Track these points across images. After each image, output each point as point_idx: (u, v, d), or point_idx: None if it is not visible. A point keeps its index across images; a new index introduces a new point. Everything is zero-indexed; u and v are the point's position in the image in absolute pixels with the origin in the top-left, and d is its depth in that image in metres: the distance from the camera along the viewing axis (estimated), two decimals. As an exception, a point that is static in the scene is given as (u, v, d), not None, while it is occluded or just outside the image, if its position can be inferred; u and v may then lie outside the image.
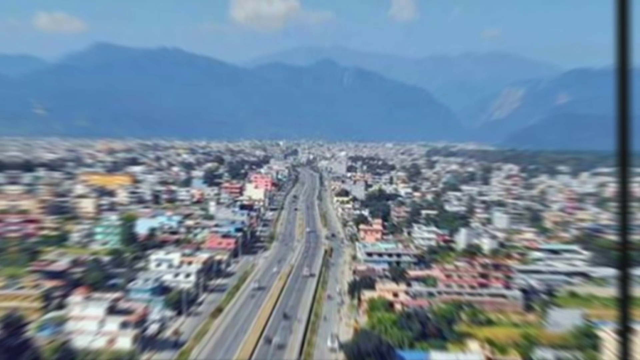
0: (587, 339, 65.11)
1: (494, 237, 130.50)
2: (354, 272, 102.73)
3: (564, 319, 72.74)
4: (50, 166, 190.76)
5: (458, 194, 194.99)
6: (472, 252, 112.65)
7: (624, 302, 7.66)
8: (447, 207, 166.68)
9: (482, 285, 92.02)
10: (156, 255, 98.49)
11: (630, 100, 7.20)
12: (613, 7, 7.20)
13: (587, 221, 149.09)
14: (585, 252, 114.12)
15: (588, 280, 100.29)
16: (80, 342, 61.96)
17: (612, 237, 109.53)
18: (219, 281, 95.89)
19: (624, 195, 7.47)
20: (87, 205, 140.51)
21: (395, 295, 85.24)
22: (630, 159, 7.26)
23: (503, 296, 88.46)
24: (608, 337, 58.53)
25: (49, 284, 79.67)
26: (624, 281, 7.50)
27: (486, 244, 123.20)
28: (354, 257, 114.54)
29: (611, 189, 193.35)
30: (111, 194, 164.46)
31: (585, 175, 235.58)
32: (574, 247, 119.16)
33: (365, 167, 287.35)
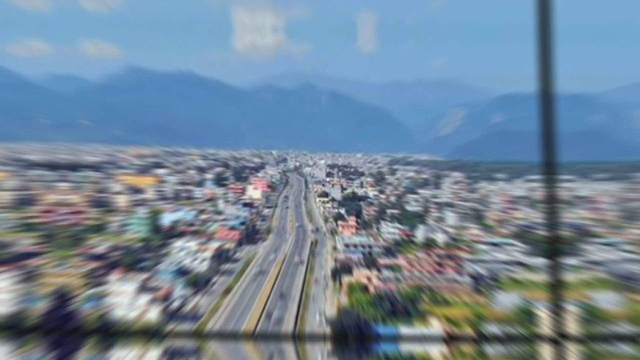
0: (525, 316, 65.32)
1: (446, 232, 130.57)
2: (335, 260, 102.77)
3: (506, 300, 73.16)
4: (93, 167, 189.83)
5: (415, 196, 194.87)
6: (429, 244, 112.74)
7: (554, 285, 7.74)
8: (407, 207, 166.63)
9: (438, 272, 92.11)
10: (177, 243, 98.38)
11: (552, 119, 7.17)
12: (535, 42, 7.14)
13: (521, 219, 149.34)
14: (521, 244, 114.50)
15: (524, 268, 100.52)
16: (117, 313, 61.59)
17: (542, 232, 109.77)
18: (228, 266, 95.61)
19: (550, 198, 7.48)
20: (122, 201, 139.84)
21: (369, 279, 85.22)
22: (554, 168, 7.24)
23: (456, 281, 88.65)
24: (542, 314, 58.40)
25: (91, 265, 79.27)
26: (554, 268, 7.48)
27: (440, 238, 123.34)
28: (335, 248, 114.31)
29: (539, 193, 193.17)
30: (141, 191, 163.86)
31: (518, 181, 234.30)
32: (512, 240, 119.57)
33: (340, 173, 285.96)
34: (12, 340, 44.76)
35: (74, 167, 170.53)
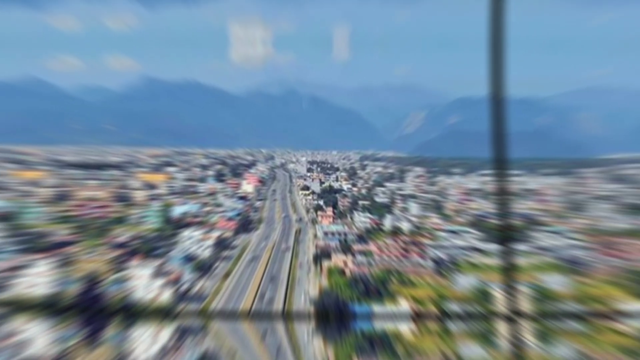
0: (482, 296, 65.37)
1: (410, 221, 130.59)
2: (316, 246, 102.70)
3: (464, 282, 73.29)
4: (116, 166, 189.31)
5: (383, 189, 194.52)
6: (395, 232, 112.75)
7: (507, 268, 7.68)
8: (376, 199, 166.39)
9: (405, 257, 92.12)
10: (185, 233, 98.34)
11: (502, 120, 7.04)
12: (488, 52, 6.98)
13: (476, 209, 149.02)
14: (476, 232, 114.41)
15: (480, 252, 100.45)
16: (136, 295, 61.56)
17: (494, 220, 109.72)
18: (227, 252, 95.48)
19: (501, 190, 7.38)
20: (139, 196, 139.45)
21: (345, 264, 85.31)
22: (504, 164, 7.14)
23: (420, 265, 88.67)
24: (497, 294, 58.45)
25: (115, 252, 79.26)
26: (506, 253, 7.38)
27: (405, 226, 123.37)
28: (315, 235, 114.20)
29: (491, 186, 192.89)
30: (155, 187, 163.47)
31: (472, 175, 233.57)
32: (468, 228, 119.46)
33: (319, 169, 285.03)
34: (50, 318, 44.66)
35: (101, 166, 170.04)
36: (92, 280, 59.14)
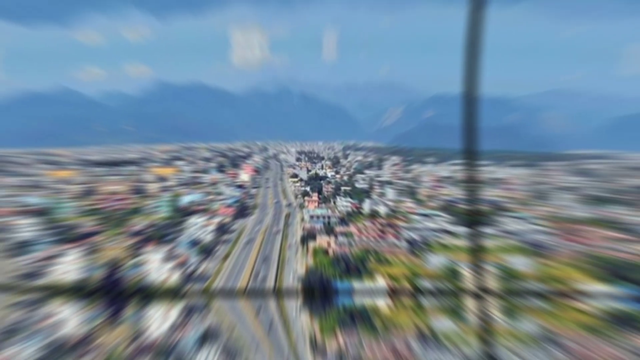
0: (452, 274, 65.98)
1: (386, 205, 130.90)
2: (303, 229, 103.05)
3: (436, 261, 73.78)
4: (133, 163, 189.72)
5: (363, 175, 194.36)
6: (373, 215, 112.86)
7: (475, 249, 8.08)
8: (357, 185, 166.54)
9: (381, 238, 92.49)
10: (191, 220, 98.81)
11: (474, 116, 7.53)
12: (463, 54, 7.48)
13: (447, 195, 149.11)
14: (447, 216, 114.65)
15: (450, 235, 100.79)
16: (150, 278, 62.21)
17: (464, 206, 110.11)
18: (226, 236, 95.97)
19: (471, 178, 7.81)
20: (153, 188, 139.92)
21: (329, 244, 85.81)
22: (474, 155, 7.66)
23: (395, 245, 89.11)
24: (466, 272, 59.07)
25: (133, 240, 79.76)
26: (474, 236, 7.93)
27: (382, 209, 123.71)
28: (302, 219, 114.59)
29: (461, 174, 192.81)
30: (165, 179, 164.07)
31: (444, 164, 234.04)
32: (439, 212, 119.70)
33: (306, 158, 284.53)
34: (79, 301, 45.28)
35: (120, 163, 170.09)
36: (114, 266, 59.85)
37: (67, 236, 76.75)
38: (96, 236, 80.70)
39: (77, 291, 43.94)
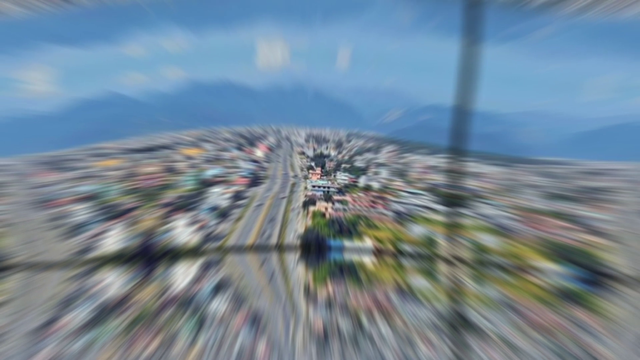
0: (430, 242, 66.50)
1: (379, 182, 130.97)
2: (305, 196, 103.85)
3: (417, 230, 74.07)
4: (166, 147, 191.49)
5: (361, 157, 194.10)
6: (366, 188, 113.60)
7: (452, 225, 8.44)
8: (355, 164, 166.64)
9: (372, 207, 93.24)
10: (212, 190, 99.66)
11: (464, 123, 7.71)
12: (458, 76, 7.59)
13: (433, 180, 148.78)
14: (431, 196, 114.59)
15: (432, 211, 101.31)
16: (176, 241, 63.27)
17: (447, 189, 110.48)
18: (240, 202, 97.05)
19: (454, 169, 8.06)
20: (181, 166, 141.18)
21: (326, 209, 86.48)
22: (460, 151, 7.91)
23: (383, 214, 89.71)
24: (442, 242, 59.70)
25: (163, 210, 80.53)
26: (452, 214, 8.17)
27: (375, 185, 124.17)
28: (305, 188, 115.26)
29: (447, 165, 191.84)
30: (192, 158, 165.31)
31: (434, 156, 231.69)
32: (425, 192, 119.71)
33: (314, 140, 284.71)
34: (121, 267, 46.21)
35: (156, 148, 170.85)
36: (148, 234, 60.67)
37: (112, 214, 77.92)
38: (135, 211, 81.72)
39: (119, 259, 45.50)
